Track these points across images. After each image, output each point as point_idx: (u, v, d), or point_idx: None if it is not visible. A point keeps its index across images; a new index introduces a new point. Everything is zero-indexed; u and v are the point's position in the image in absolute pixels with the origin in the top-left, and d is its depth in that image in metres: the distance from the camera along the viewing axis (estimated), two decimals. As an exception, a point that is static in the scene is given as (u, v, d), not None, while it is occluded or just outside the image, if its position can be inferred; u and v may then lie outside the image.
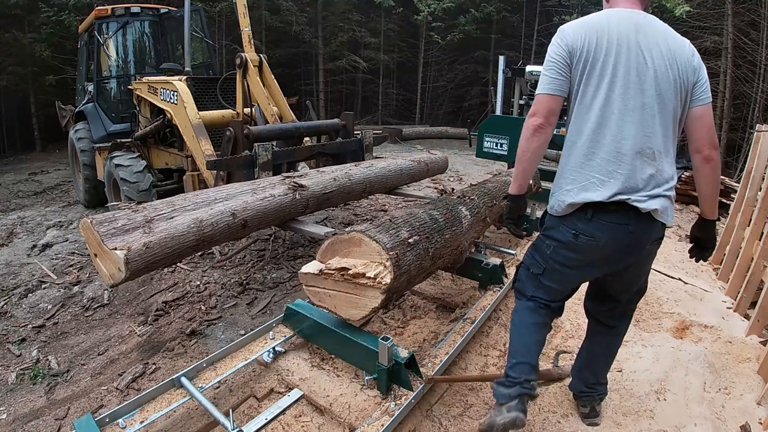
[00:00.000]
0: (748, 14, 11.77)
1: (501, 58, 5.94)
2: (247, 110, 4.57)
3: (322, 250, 2.13)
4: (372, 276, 1.88)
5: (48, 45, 13.11)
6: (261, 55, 4.51)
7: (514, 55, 15.45)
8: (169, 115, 4.89)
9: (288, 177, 3.30)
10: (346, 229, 2.07)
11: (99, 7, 6.39)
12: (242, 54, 4.40)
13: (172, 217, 2.37)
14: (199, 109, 4.61)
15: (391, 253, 1.93)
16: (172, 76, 5.07)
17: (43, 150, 14.43)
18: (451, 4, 16.16)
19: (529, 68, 5.66)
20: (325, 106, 18.34)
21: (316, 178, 3.44)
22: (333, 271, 1.98)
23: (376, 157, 4.67)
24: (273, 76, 4.63)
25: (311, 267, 2.10)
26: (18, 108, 14.99)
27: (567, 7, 15.04)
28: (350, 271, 1.93)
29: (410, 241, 2.10)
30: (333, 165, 4.02)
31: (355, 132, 4.68)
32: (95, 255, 2.18)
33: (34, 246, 4.94)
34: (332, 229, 3.20)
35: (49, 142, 14.51)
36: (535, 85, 6.26)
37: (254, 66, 4.40)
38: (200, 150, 4.28)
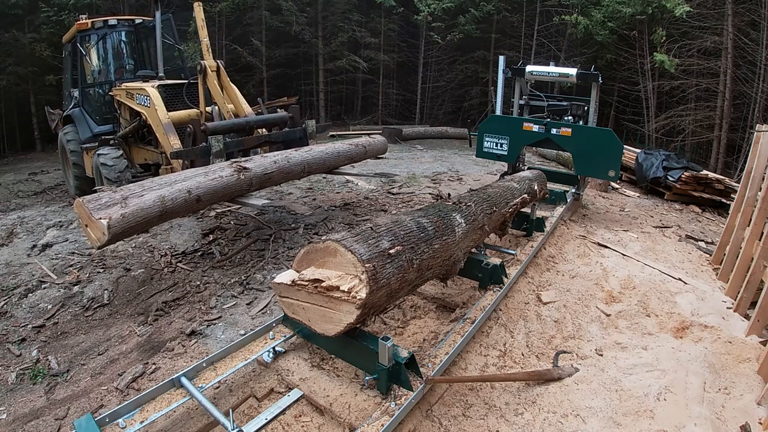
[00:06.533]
0: (748, 14, 11.77)
1: (501, 58, 5.91)
2: (209, 109, 5.32)
3: (298, 258, 2.01)
4: (346, 290, 1.76)
5: (48, 45, 13.14)
6: (218, 62, 5.27)
7: (514, 55, 15.42)
8: (144, 117, 5.70)
9: (236, 162, 3.88)
10: (323, 237, 1.93)
11: (80, 21, 7.02)
12: (201, 62, 5.15)
13: (142, 195, 3.06)
14: (170, 110, 5.39)
15: (367, 265, 1.79)
16: (147, 81, 5.94)
17: (43, 150, 14.43)
18: (451, 4, 16.11)
19: (529, 68, 5.63)
20: (325, 106, 18.31)
21: (259, 161, 4.04)
22: (306, 283, 1.87)
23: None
24: (229, 79, 5.36)
25: (285, 277, 1.99)
26: (18, 108, 15.00)
27: (567, 7, 14.99)
28: (323, 284, 1.81)
29: (391, 251, 1.95)
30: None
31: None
32: (86, 225, 2.87)
33: (34, 246, 4.93)
34: (268, 201, 3.95)
35: (49, 142, 14.47)
36: (535, 85, 6.26)
37: (212, 71, 5.13)
38: (169, 145, 5.00)
